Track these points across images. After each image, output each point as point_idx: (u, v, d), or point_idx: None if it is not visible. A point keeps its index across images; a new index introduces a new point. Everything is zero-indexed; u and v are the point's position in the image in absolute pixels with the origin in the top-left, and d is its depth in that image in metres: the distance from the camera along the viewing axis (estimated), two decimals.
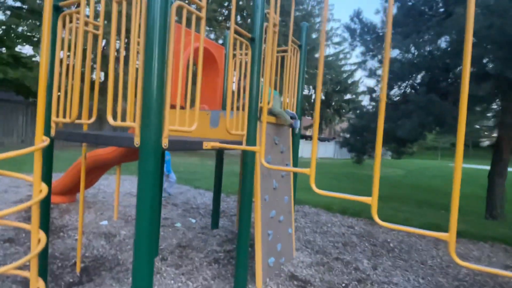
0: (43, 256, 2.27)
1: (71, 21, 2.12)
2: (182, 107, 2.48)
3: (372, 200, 1.31)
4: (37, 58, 12.50)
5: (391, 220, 4.97)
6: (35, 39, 13.51)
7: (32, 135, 13.39)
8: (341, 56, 24.23)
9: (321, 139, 31.77)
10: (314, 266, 3.14)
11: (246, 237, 2.49)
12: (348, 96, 25.72)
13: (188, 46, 3.45)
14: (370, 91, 7.86)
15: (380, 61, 6.89)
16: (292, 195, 3.31)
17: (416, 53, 5.16)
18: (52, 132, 2.06)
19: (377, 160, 1.26)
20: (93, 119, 2.16)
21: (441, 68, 4.62)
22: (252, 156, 2.48)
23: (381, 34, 7.16)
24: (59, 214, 4.20)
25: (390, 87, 6.77)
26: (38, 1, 12.65)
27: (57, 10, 2.07)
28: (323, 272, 3.02)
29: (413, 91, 5.68)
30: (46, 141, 1.58)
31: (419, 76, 5.51)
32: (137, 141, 1.62)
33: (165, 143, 1.64)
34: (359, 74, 25.38)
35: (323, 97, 26.41)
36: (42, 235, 1.64)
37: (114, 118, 1.78)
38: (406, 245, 4.03)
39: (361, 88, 25.03)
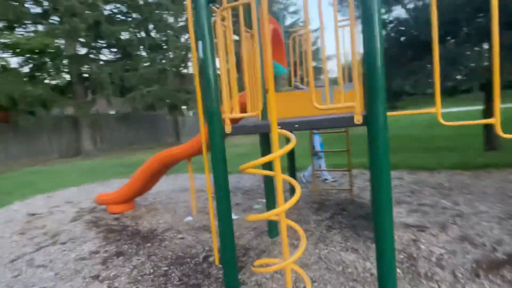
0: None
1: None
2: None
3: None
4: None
5: (410, 165, 5.54)
6: None
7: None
8: (301, 25, 24.49)
9: None
10: (411, 213, 3.51)
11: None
12: (313, 64, 26.31)
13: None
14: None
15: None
16: None
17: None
18: (228, 129, 2.07)
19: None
20: (255, 113, 2.18)
21: (451, 22, 5.07)
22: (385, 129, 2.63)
23: None
24: (133, 221, 4.09)
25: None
26: None
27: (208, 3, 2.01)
28: (423, 216, 3.40)
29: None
30: (293, 140, 1.63)
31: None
32: (358, 118, 1.74)
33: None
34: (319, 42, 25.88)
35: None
36: (299, 229, 1.75)
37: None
38: (457, 182, 4.58)
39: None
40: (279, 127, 2.10)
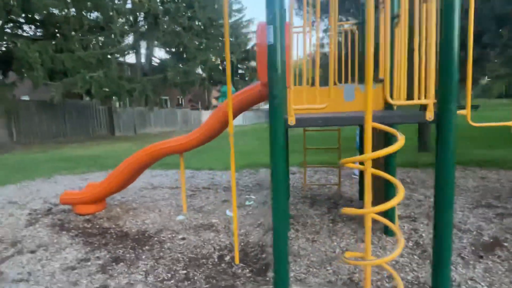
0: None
1: None
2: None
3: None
4: None
5: None
6: None
7: None
8: (244, 23, 24.63)
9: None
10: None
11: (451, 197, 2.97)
12: (253, 63, 26.71)
13: None
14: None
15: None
16: None
17: None
18: (292, 121, 1.98)
19: None
20: (325, 105, 2.07)
21: None
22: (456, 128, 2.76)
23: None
24: (112, 223, 3.61)
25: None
26: None
27: None
28: (407, 208, 3.78)
29: None
30: (401, 138, 1.62)
31: None
32: (430, 116, 1.86)
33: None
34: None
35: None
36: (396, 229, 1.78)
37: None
38: (416, 178, 5.22)
39: None
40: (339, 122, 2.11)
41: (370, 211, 1.66)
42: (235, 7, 24.80)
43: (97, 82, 10.12)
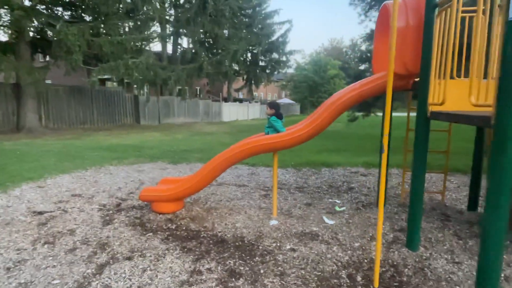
0: None
1: None
2: None
3: None
4: None
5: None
6: None
7: None
8: (269, 14, 23.89)
9: (241, 100, 31.96)
10: None
11: None
12: (274, 55, 26.02)
13: None
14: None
15: None
16: None
17: None
18: None
19: None
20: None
21: None
22: None
23: None
24: (198, 225, 3.23)
25: None
26: None
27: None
28: None
29: None
30: None
31: None
32: None
33: None
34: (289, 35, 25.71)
35: (250, 58, 26.01)
36: None
37: None
38: None
39: (289, 47, 25.66)
40: None
41: None
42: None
43: (138, 68, 9.72)
